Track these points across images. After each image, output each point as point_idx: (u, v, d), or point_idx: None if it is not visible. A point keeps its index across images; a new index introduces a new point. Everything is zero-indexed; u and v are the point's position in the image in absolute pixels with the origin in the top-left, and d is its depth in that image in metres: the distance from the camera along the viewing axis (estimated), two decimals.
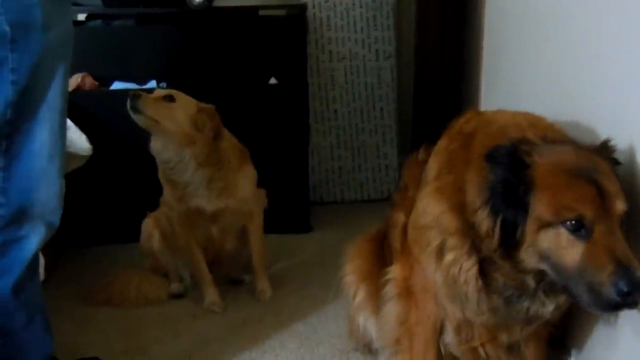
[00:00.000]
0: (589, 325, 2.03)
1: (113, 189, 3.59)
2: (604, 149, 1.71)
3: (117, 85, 3.57)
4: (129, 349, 2.66)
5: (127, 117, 3.21)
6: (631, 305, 1.55)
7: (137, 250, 3.26)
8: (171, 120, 2.78)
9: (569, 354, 2.18)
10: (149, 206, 3.23)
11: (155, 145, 2.85)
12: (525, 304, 1.79)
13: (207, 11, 3.62)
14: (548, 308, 1.79)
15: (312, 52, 4.03)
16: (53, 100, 1.89)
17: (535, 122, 1.84)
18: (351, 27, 4.05)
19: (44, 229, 1.96)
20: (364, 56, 4.11)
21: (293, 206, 3.74)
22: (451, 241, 1.79)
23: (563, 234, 1.60)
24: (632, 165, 1.73)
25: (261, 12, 3.87)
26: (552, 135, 1.75)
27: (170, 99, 2.82)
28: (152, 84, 3.60)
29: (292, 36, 3.74)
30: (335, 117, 4.15)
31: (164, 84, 3.60)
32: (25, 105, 1.82)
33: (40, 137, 1.88)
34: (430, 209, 1.85)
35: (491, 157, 1.68)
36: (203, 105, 2.90)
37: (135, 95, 2.73)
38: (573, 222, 1.58)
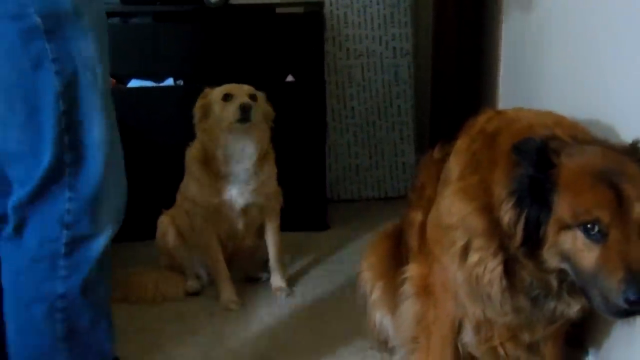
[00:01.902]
0: (607, 325, 2.01)
1: (130, 187, 3.60)
2: (634, 150, 1.69)
3: (134, 83, 3.58)
4: (146, 346, 2.67)
5: (144, 115, 3.21)
6: None
7: (150, 247, 3.29)
8: (258, 118, 2.88)
9: (586, 352, 2.17)
10: (164, 203, 3.25)
11: (226, 139, 2.88)
12: (552, 304, 1.79)
13: (224, 9, 3.62)
14: (573, 308, 1.79)
15: (329, 49, 4.02)
16: (101, 85, 1.87)
17: (560, 121, 1.83)
18: (368, 25, 4.05)
19: (111, 225, 1.94)
20: (381, 53, 4.11)
21: (310, 204, 3.75)
22: (477, 242, 1.78)
23: (580, 237, 1.59)
24: None
25: (278, 10, 3.86)
26: (582, 135, 1.75)
27: (254, 98, 2.91)
28: (170, 81, 3.61)
29: (309, 34, 3.73)
30: (352, 115, 4.15)
31: (180, 82, 3.60)
32: (73, 95, 1.79)
33: (98, 125, 1.84)
34: (455, 209, 1.83)
35: (519, 149, 1.67)
36: (260, 93, 2.98)
37: (248, 107, 2.79)
38: (589, 225, 1.57)
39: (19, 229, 1.84)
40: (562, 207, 1.61)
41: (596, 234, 1.57)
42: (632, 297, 1.49)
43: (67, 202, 1.83)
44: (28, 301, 1.87)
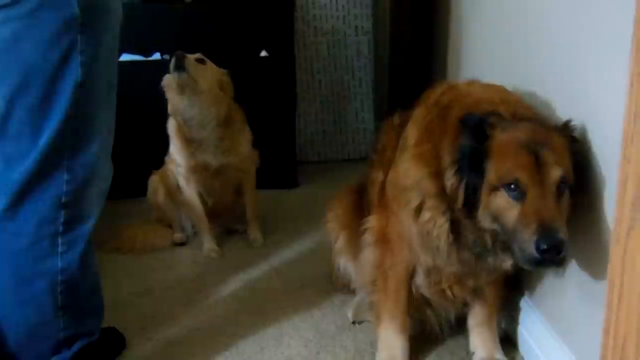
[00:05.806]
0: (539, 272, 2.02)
1: (123, 150, 3.55)
2: (564, 128, 1.68)
3: (125, 57, 3.50)
4: (136, 290, 2.66)
5: (135, 86, 3.18)
6: (553, 262, 1.56)
7: (143, 204, 3.26)
8: (205, 80, 2.80)
9: (522, 294, 2.17)
10: (154, 164, 3.22)
11: (181, 103, 2.82)
12: (490, 259, 1.81)
13: None
14: (507, 263, 1.80)
15: (299, 27, 3.98)
16: (111, 79, 1.82)
17: (506, 97, 1.82)
18: (333, 6, 4.01)
19: (100, 204, 1.88)
20: (344, 32, 4.07)
21: (282, 165, 3.74)
22: (429, 202, 1.79)
23: (504, 196, 1.61)
24: (585, 141, 1.69)
25: None
26: (523, 112, 1.73)
27: (202, 61, 2.84)
28: (156, 56, 3.55)
29: (280, 13, 3.67)
30: (319, 86, 4.12)
31: (166, 56, 3.55)
32: (90, 85, 1.72)
33: (101, 114, 1.79)
34: (411, 173, 1.83)
35: (464, 122, 1.69)
36: (223, 70, 2.95)
37: (180, 55, 2.71)
38: (511, 185, 1.59)
39: (12, 209, 1.75)
40: (491, 171, 1.63)
41: (516, 192, 1.58)
42: (542, 246, 1.51)
43: (64, 184, 1.76)
44: (29, 278, 1.80)
